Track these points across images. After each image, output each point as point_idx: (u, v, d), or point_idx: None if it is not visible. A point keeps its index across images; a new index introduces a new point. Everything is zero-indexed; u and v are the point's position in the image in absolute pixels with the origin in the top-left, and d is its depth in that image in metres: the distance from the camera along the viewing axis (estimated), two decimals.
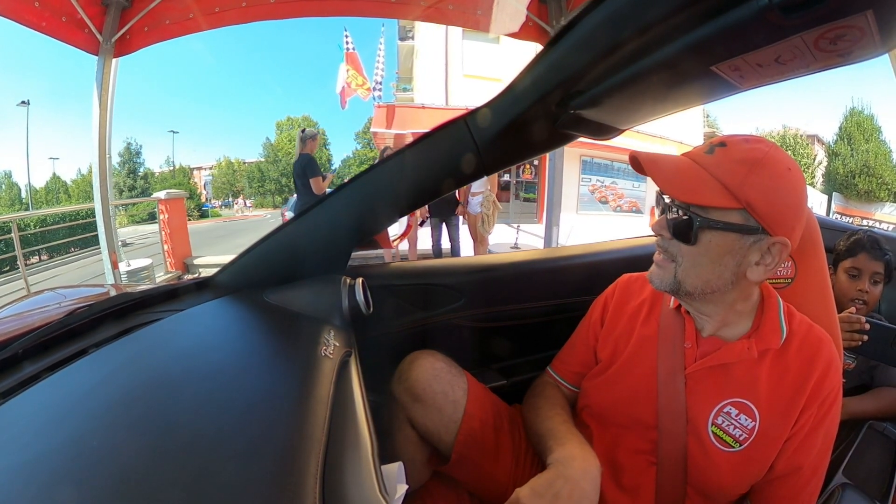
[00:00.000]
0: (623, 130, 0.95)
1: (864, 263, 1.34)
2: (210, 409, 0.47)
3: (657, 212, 0.74)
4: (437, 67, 12.01)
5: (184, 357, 0.59)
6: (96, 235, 4.66)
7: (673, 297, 0.82)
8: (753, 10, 0.44)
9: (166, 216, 5.84)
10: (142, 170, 33.29)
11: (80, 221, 5.99)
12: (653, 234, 0.76)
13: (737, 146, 0.67)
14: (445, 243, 4.95)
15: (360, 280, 0.90)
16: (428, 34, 12.17)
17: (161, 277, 5.53)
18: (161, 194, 6.08)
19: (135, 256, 5.64)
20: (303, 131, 4.03)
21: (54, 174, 31.98)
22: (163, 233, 5.81)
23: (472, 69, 11.82)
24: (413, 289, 1.19)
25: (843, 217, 15.68)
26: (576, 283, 1.31)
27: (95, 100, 4.15)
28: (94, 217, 4.65)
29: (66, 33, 3.72)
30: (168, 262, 5.77)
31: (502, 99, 0.80)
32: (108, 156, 4.61)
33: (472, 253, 5.16)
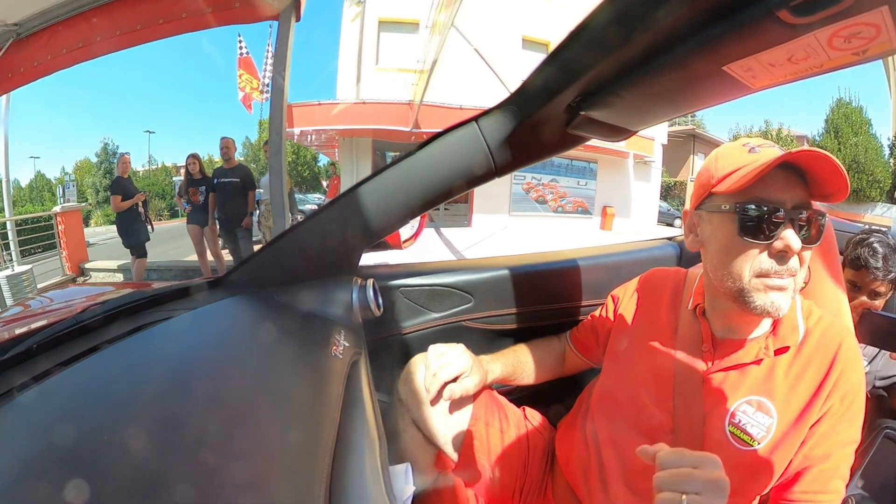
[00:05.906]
0: (635, 132, 0.94)
1: (864, 280, 1.28)
2: (220, 408, 0.48)
3: (788, 232, 0.66)
4: (352, 62, 12.03)
5: (195, 355, 0.60)
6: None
7: (693, 299, 0.82)
8: (765, 8, 0.43)
9: (63, 227, 6.74)
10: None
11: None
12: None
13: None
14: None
15: (370, 281, 0.91)
16: (349, 30, 12.09)
17: (55, 280, 6.32)
18: (57, 209, 7.12)
19: (98, 256, 7.07)
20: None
21: (38, 172, 31.70)
22: (61, 240, 6.71)
23: (386, 62, 11.74)
24: (423, 290, 1.19)
25: None
26: (590, 285, 1.30)
27: None
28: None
29: None
30: (66, 266, 6.63)
31: (513, 101, 0.80)
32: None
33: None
